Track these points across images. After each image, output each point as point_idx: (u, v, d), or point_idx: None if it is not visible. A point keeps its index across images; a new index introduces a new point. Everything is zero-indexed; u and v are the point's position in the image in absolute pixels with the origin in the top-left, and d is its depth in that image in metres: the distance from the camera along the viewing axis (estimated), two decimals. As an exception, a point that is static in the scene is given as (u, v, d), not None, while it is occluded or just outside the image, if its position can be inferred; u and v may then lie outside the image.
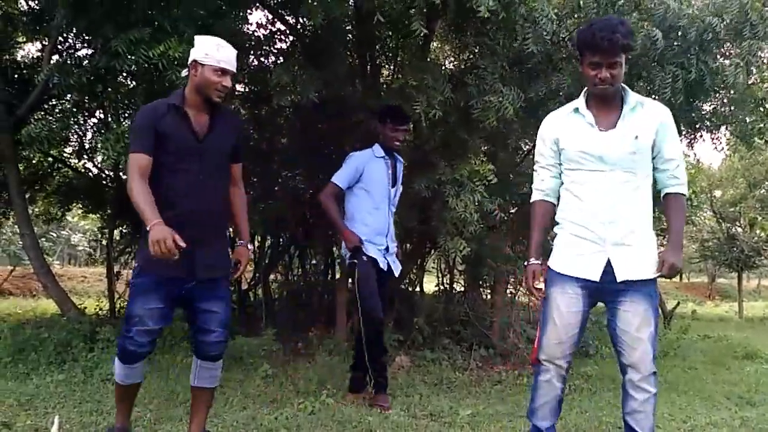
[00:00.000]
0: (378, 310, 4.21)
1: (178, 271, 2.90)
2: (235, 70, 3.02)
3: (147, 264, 2.90)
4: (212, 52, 2.94)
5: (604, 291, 2.82)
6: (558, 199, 3.03)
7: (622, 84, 2.82)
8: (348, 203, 4.42)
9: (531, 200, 3.09)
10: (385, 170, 4.37)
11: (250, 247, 3.32)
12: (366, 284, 4.22)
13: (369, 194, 4.32)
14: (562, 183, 2.98)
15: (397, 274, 4.53)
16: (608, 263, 2.78)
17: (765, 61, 5.48)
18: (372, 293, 4.21)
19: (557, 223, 2.98)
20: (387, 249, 4.38)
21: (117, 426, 3.21)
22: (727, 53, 5.15)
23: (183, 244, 2.69)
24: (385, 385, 4.35)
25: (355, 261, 4.25)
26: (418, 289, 8.07)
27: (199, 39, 3.01)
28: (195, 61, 2.96)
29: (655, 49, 4.66)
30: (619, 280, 2.76)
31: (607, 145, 2.77)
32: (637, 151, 2.76)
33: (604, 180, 2.78)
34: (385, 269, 4.35)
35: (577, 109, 2.89)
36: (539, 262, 2.95)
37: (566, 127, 2.90)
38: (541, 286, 2.94)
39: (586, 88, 2.90)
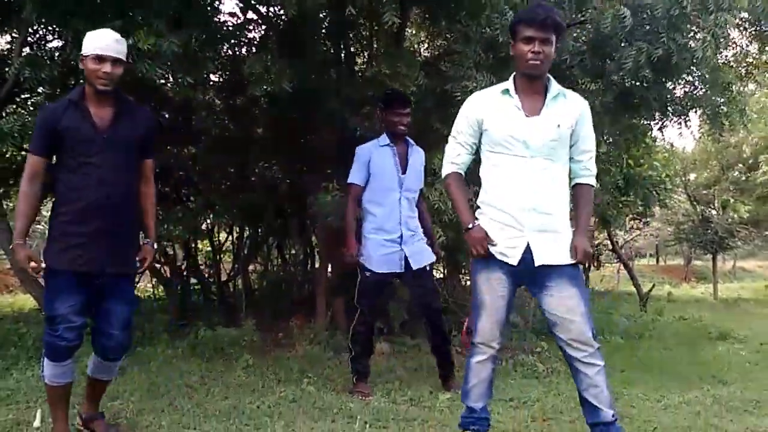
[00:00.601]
0: (371, 317, 4.40)
1: (89, 266, 2.94)
2: (115, 55, 2.94)
3: (57, 261, 2.94)
4: (90, 41, 2.94)
5: (525, 275, 2.89)
6: (468, 176, 3.10)
7: (548, 74, 2.89)
8: (362, 197, 4.42)
9: (446, 173, 3.08)
10: (391, 157, 4.33)
11: (155, 246, 3.35)
12: (363, 297, 4.34)
13: (377, 184, 4.31)
14: (478, 163, 3.03)
15: (418, 265, 4.33)
16: (527, 248, 2.83)
17: (731, 36, 5.57)
18: (370, 303, 4.34)
19: (478, 207, 3.01)
20: (401, 238, 4.30)
21: None
22: (696, 29, 5.21)
23: (42, 266, 2.91)
24: (365, 374, 4.40)
25: (361, 272, 4.32)
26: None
27: (85, 35, 3.01)
28: (81, 55, 2.98)
29: (623, 28, 4.72)
30: (536, 264, 2.82)
31: (530, 131, 2.82)
32: (558, 140, 2.84)
33: (525, 166, 2.82)
34: (401, 270, 4.30)
35: (506, 91, 2.91)
36: (479, 223, 2.93)
37: (493, 109, 2.92)
38: (490, 240, 2.90)
39: (513, 74, 2.95)
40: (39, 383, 4.27)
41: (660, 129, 6.64)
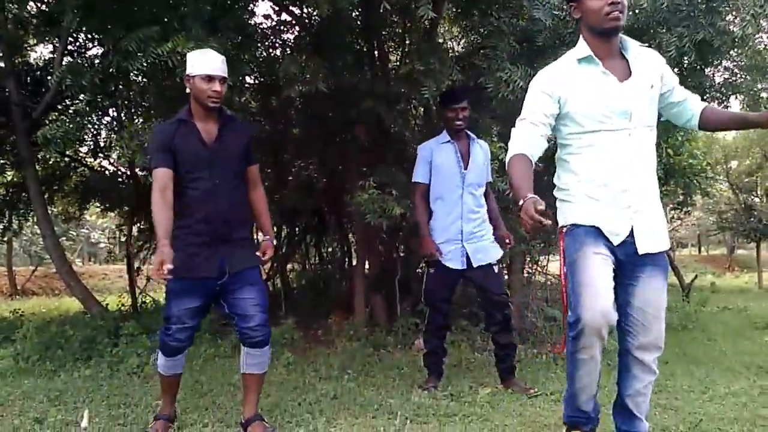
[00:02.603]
0: (440, 318, 4.32)
1: (208, 272, 3.14)
2: (223, 74, 3.15)
3: (178, 269, 3.01)
4: (196, 62, 3.13)
5: (622, 263, 2.51)
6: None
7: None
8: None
9: (513, 154, 2.51)
10: (453, 154, 4.27)
11: (274, 241, 3.48)
12: (431, 294, 4.32)
13: (439, 182, 4.27)
14: (557, 149, 2.67)
15: (479, 263, 4.20)
16: (630, 232, 2.48)
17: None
18: (437, 301, 4.29)
19: (563, 191, 2.62)
20: (462, 234, 4.20)
21: (163, 414, 3.38)
22: (734, 12, 5.10)
23: (170, 274, 2.87)
24: (437, 373, 4.45)
25: (427, 269, 4.33)
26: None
27: (188, 55, 3.21)
28: (187, 75, 3.15)
29: (662, 11, 4.64)
30: (640, 252, 2.48)
31: (629, 98, 2.46)
32: (653, 102, 2.53)
33: (628, 140, 2.46)
34: (463, 266, 4.20)
35: (588, 58, 2.50)
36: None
37: (576, 82, 2.51)
38: (542, 207, 2.19)
39: (582, 38, 2.56)
40: (86, 384, 4.42)
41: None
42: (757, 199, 19.82)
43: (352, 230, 7.62)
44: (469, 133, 4.40)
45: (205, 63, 3.12)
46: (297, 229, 8.44)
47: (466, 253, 4.20)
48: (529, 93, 2.60)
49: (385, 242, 6.84)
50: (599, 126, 2.46)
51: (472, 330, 6.09)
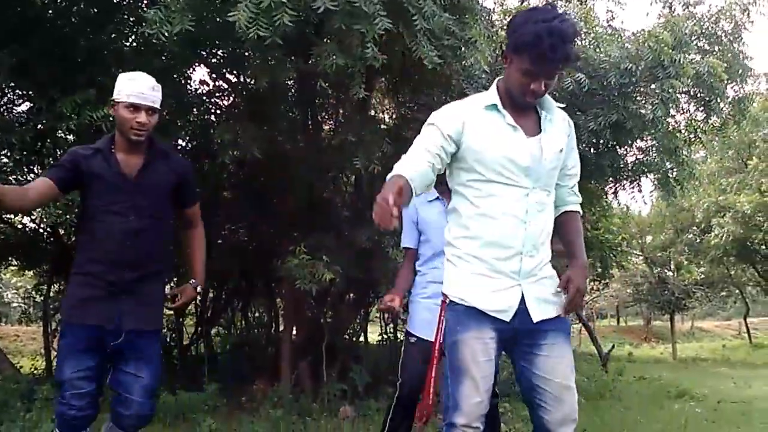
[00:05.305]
0: (411, 398, 3.61)
1: (102, 319, 2.67)
2: (151, 104, 2.70)
3: (69, 314, 2.72)
4: (123, 87, 2.69)
5: (517, 334, 2.29)
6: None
7: None
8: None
9: (390, 175, 2.12)
10: (442, 211, 3.63)
11: (199, 289, 3.04)
12: (405, 368, 3.67)
13: (427, 242, 3.73)
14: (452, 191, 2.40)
15: None
16: (522, 300, 2.27)
17: (680, 101, 5.91)
18: (411, 377, 3.58)
19: (453, 247, 2.36)
20: None
21: None
22: (646, 97, 5.51)
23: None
24: None
25: (406, 340, 3.74)
26: (362, 338, 8.15)
27: (117, 78, 2.76)
28: (112, 100, 2.74)
29: (582, 93, 4.99)
30: (535, 320, 2.27)
31: (534, 156, 2.24)
32: (557, 167, 2.33)
33: (523, 199, 2.24)
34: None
35: (493, 106, 2.27)
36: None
37: (480, 124, 2.25)
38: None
39: (497, 81, 2.34)
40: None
41: (614, 193, 6.93)
42: (670, 273, 20.73)
43: (280, 295, 7.60)
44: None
45: (131, 89, 2.66)
46: (224, 292, 8.35)
47: None
48: (425, 128, 2.31)
49: (312, 308, 6.84)
50: (498, 177, 2.24)
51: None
